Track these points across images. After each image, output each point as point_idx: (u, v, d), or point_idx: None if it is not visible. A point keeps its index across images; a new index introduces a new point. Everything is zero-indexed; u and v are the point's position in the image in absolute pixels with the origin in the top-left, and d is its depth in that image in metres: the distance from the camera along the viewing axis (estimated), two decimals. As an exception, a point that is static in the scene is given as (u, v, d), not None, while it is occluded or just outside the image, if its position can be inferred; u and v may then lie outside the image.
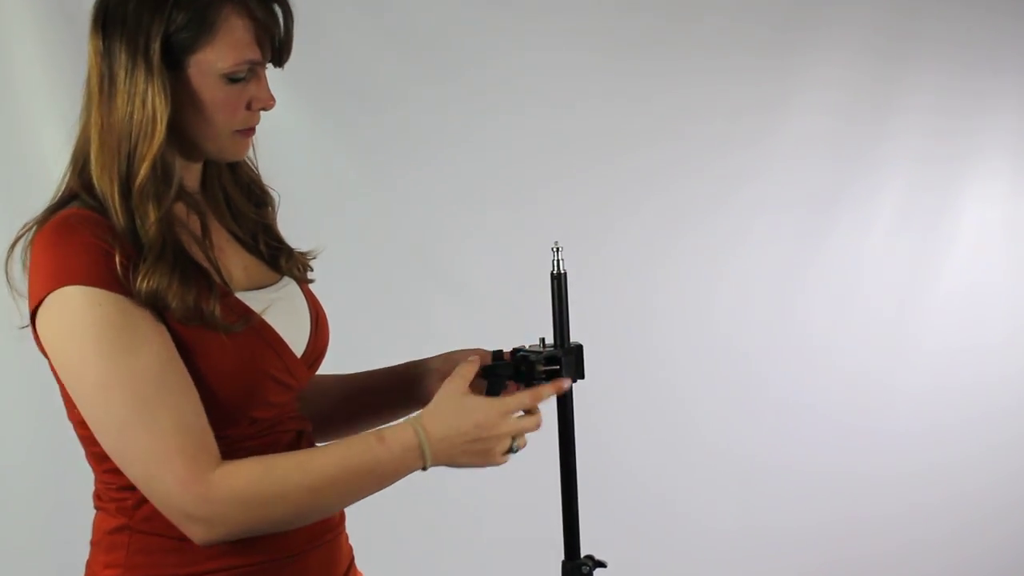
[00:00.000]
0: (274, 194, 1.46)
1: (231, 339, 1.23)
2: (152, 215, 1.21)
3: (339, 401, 1.54)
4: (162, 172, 1.23)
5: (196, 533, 1.20)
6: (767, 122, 3.21)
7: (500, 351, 1.43)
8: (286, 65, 1.33)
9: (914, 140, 3.38)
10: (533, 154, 2.98)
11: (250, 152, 1.39)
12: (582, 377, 1.41)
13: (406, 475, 1.26)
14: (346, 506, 1.30)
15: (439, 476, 1.40)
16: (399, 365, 1.55)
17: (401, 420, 1.29)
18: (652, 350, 3.12)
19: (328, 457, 1.23)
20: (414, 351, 1.59)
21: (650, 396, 3.12)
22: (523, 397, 1.31)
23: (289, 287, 1.41)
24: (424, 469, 1.27)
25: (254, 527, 1.22)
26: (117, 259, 1.19)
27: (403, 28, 2.82)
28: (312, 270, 1.48)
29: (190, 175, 1.34)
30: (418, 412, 1.29)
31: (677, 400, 3.16)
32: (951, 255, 3.46)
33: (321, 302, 1.47)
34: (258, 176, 1.44)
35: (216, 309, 1.22)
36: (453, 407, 1.28)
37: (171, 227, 1.25)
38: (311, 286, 1.49)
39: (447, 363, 1.47)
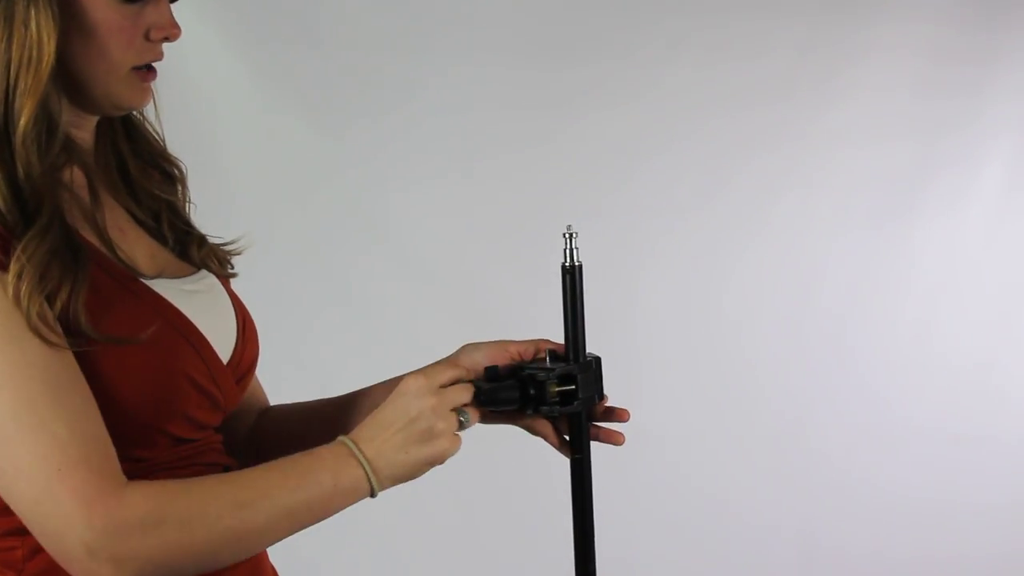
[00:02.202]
0: (182, 165, 1.31)
1: (137, 334, 1.09)
2: (37, 166, 1.07)
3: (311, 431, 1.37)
4: (45, 115, 1.10)
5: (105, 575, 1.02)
6: (833, 71, 2.96)
7: (495, 367, 1.26)
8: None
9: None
10: (529, 112, 2.74)
11: (152, 117, 1.26)
12: (601, 397, 1.28)
13: (345, 494, 1.13)
14: (281, 536, 1.13)
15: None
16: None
17: None
18: (680, 360, 2.92)
19: (257, 471, 1.11)
20: (383, 360, 1.42)
21: (678, 420, 2.88)
22: (444, 368, 1.21)
23: (209, 280, 1.26)
24: (372, 493, 1.14)
25: (170, 561, 1.05)
26: None
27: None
28: (233, 266, 1.33)
29: (80, 133, 1.18)
30: None
31: (715, 426, 2.95)
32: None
33: (268, 295, 1.39)
34: (160, 143, 1.29)
35: (82, 314, 1.05)
36: (376, 411, 1.18)
37: (55, 191, 1.09)
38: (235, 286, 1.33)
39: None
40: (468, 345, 1.30)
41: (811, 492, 3.01)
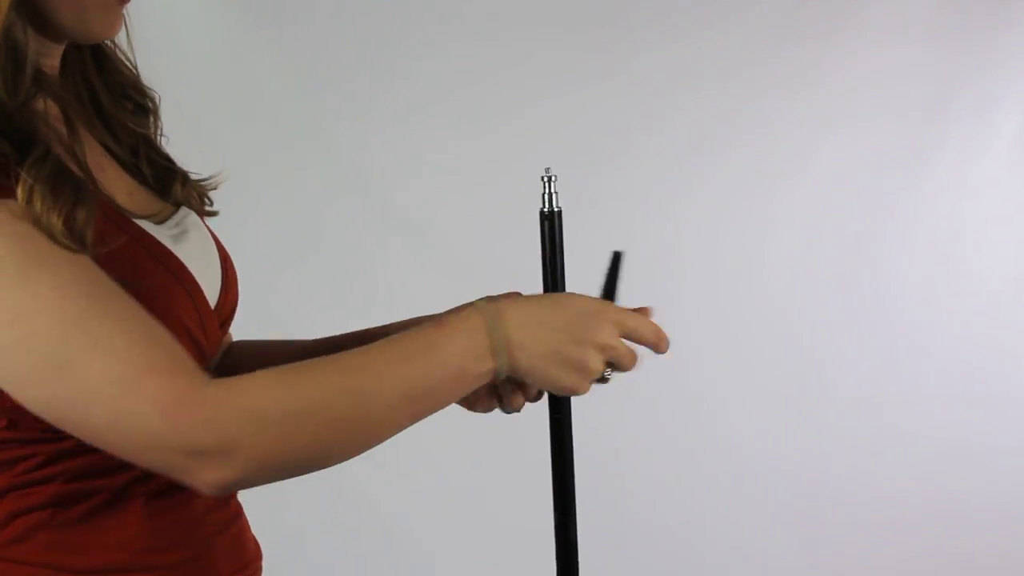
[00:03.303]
0: (155, 96, 1.24)
1: (137, 278, 1.01)
2: (8, 103, 1.00)
3: None
4: (10, 47, 1.01)
5: (211, 475, 0.94)
6: (841, 5, 2.85)
7: None
8: None
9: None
10: (513, 55, 2.65)
11: (123, 43, 1.19)
12: None
13: (473, 377, 1.03)
14: (398, 427, 1.02)
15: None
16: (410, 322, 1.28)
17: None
18: (672, 321, 2.77)
19: (373, 350, 1.00)
20: (358, 314, 1.37)
21: (668, 390, 2.77)
22: (643, 319, 1.10)
23: (191, 219, 1.20)
24: (497, 373, 1.03)
25: (283, 456, 0.96)
26: None
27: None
28: (212, 202, 1.27)
29: (49, 62, 1.11)
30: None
31: (702, 398, 2.87)
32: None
33: (239, 248, 1.27)
34: (133, 73, 1.23)
35: (88, 234, 0.96)
36: (546, 296, 1.09)
37: (35, 125, 1.02)
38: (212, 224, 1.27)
39: None
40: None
41: (821, 429, 2.94)
